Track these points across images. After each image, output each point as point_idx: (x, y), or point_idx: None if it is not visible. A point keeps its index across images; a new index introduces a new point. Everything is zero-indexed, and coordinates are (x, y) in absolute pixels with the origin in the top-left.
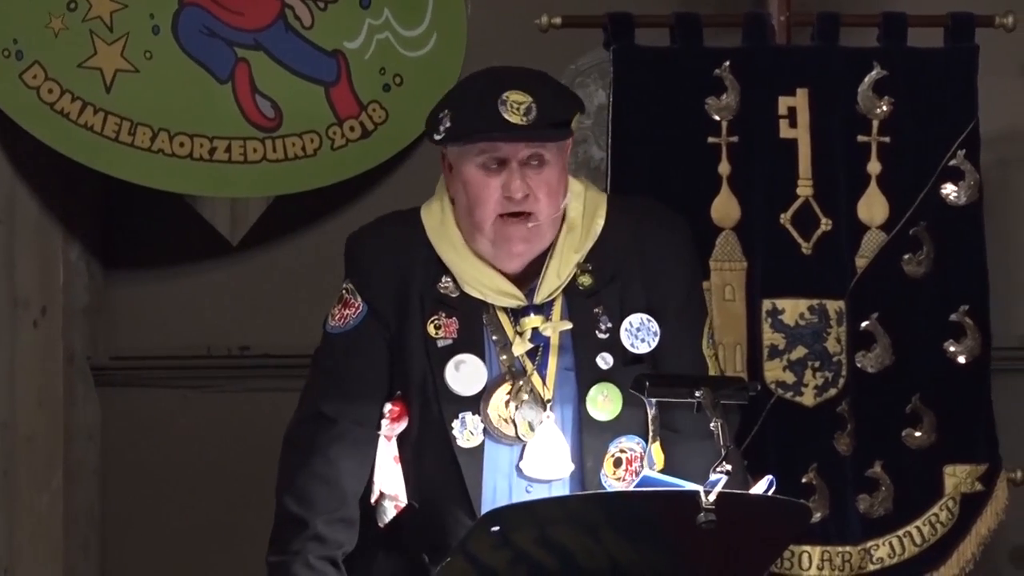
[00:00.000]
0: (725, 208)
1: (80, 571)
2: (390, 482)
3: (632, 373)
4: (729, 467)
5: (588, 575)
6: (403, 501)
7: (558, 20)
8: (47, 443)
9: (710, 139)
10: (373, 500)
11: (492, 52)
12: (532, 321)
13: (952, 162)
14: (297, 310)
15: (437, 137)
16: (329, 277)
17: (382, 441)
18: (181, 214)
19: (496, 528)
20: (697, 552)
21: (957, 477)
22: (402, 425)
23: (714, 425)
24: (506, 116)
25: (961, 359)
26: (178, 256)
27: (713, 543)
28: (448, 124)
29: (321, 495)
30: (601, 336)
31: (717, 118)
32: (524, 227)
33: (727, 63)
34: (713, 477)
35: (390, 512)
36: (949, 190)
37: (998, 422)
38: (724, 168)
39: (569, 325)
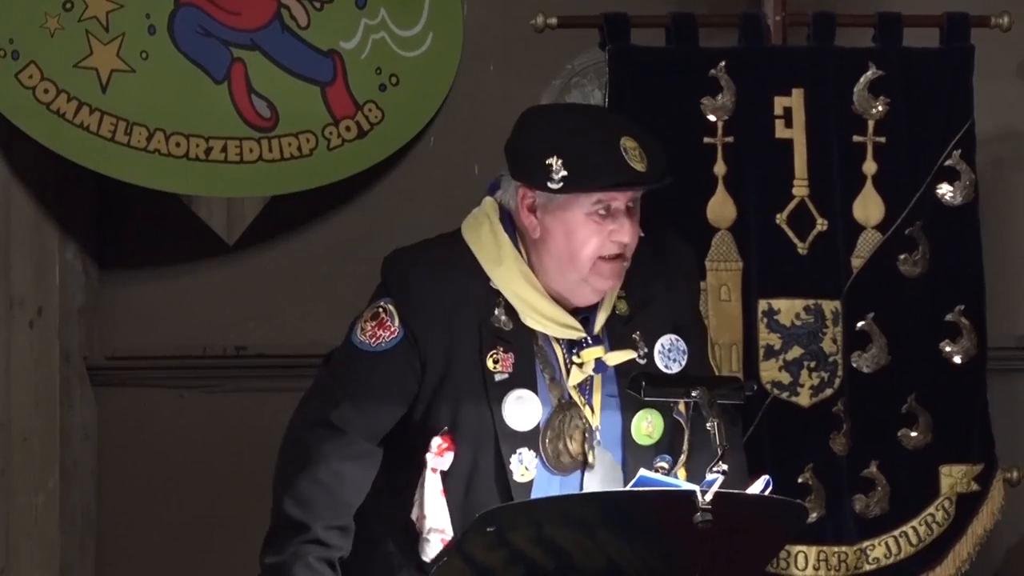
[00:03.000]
0: (721, 208)
1: (76, 571)
2: (438, 517)
3: None
4: (725, 467)
5: (584, 574)
6: (449, 535)
7: (554, 20)
8: (43, 443)
9: (706, 139)
10: (425, 533)
11: (488, 52)
12: (593, 352)
13: (948, 162)
14: (293, 310)
15: (553, 186)
16: (325, 277)
17: (428, 474)
18: (177, 214)
19: (492, 528)
20: (693, 552)
21: (953, 477)
22: (449, 458)
23: (710, 425)
24: (631, 164)
25: (957, 359)
26: (174, 256)
27: (709, 543)
28: (564, 172)
29: (322, 502)
30: (640, 361)
31: (713, 118)
32: (619, 266)
33: (723, 63)
34: (709, 477)
35: (436, 546)
36: (945, 190)
37: (994, 422)
38: (720, 168)
39: (632, 355)
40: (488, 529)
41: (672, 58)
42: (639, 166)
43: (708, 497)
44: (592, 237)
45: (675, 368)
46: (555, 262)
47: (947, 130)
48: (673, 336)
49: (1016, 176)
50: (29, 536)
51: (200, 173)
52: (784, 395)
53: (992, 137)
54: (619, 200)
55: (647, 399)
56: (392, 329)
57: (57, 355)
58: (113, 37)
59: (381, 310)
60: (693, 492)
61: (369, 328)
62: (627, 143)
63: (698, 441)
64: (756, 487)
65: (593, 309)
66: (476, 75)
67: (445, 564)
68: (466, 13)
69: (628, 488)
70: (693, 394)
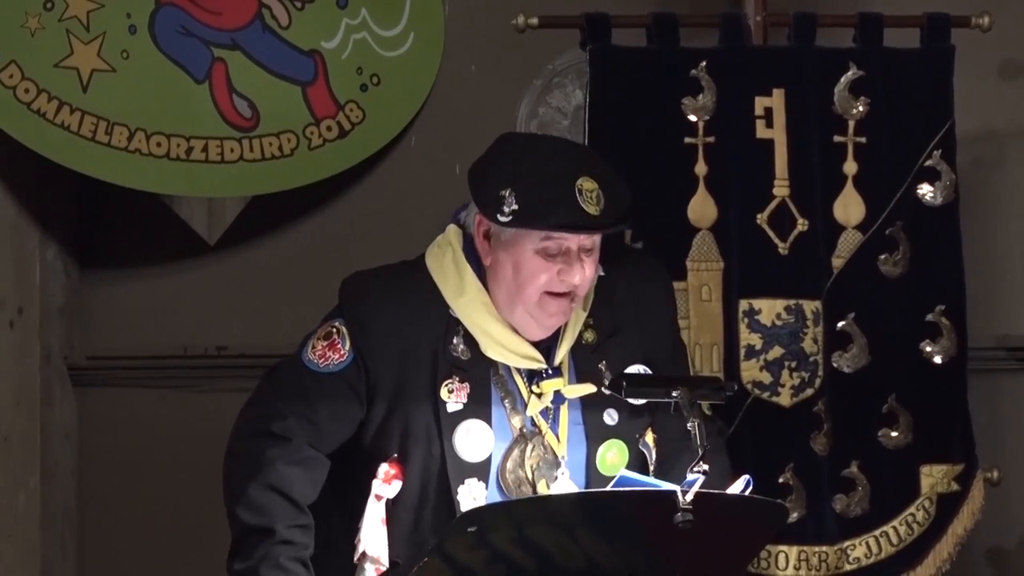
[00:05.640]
0: (702, 208)
1: (57, 570)
2: (375, 544)
3: (636, 425)
4: (706, 467)
5: (565, 574)
6: (385, 564)
7: (535, 20)
8: (24, 443)
9: (687, 139)
10: (356, 559)
11: (469, 52)
12: (553, 383)
13: (928, 162)
14: (274, 310)
15: (502, 219)
16: (307, 277)
17: (371, 501)
18: (158, 214)
19: (473, 528)
20: (674, 551)
21: (933, 477)
22: (396, 487)
23: (690, 425)
24: (584, 207)
25: (937, 359)
26: (155, 256)
27: (690, 543)
28: (515, 206)
29: (277, 504)
30: (606, 392)
31: (694, 118)
32: (566, 304)
33: (704, 63)
34: (690, 477)
35: (370, 575)
36: (925, 190)
37: (974, 422)
38: (701, 168)
39: (592, 388)
40: (469, 529)
41: (653, 58)
42: (591, 209)
43: (689, 497)
44: (541, 273)
45: (641, 400)
46: (504, 293)
47: (928, 130)
48: (641, 367)
49: (996, 176)
50: (10, 536)
51: (181, 173)
52: (765, 395)
53: (972, 137)
54: (570, 241)
55: (613, 428)
56: (342, 352)
57: (38, 355)
58: (94, 37)
59: (334, 331)
60: (674, 492)
61: (320, 347)
62: (584, 184)
63: (678, 447)
64: (736, 487)
65: (555, 340)
66: (457, 75)
67: (426, 565)
68: (447, 13)
69: (609, 488)
70: (674, 394)
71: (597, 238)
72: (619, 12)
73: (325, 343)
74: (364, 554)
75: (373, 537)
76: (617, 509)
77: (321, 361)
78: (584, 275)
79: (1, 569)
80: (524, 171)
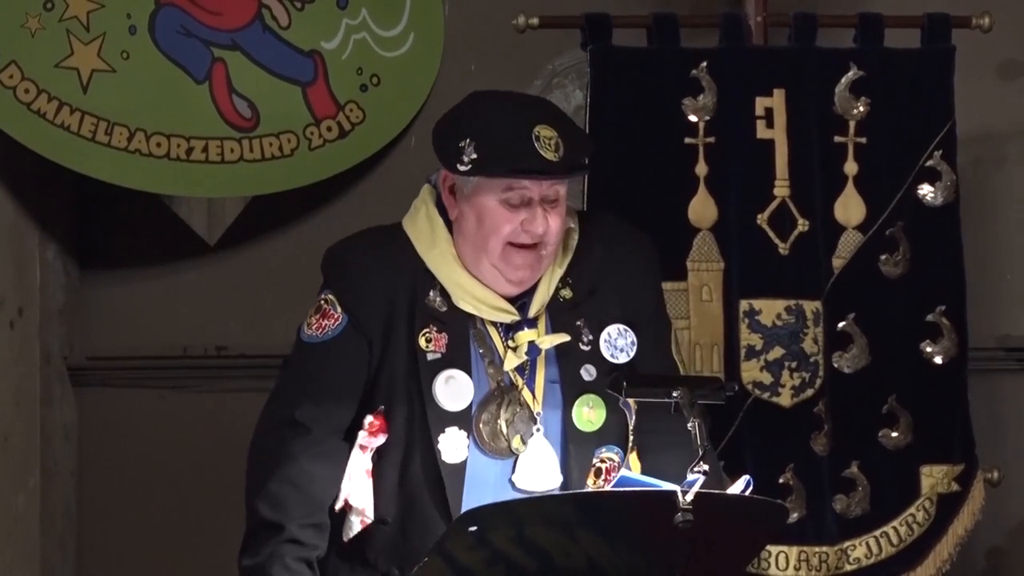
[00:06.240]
0: (702, 208)
1: (57, 571)
2: (359, 495)
3: None
4: (706, 467)
5: (565, 574)
6: (370, 517)
7: (535, 20)
8: (24, 443)
9: (687, 140)
10: (338, 508)
11: (469, 53)
12: (527, 335)
13: (928, 163)
14: (274, 310)
15: (462, 168)
16: (306, 277)
17: (356, 452)
18: (158, 214)
19: (474, 528)
20: (674, 552)
21: (934, 477)
22: (381, 439)
23: (691, 425)
24: (542, 152)
25: (938, 359)
26: (155, 256)
27: (690, 543)
28: (474, 155)
29: (294, 500)
30: (584, 348)
31: (694, 119)
32: (532, 256)
33: (704, 64)
34: (690, 477)
35: (355, 527)
36: (926, 191)
37: (974, 422)
38: (701, 169)
39: (566, 338)
40: (470, 529)
41: (653, 58)
42: (549, 155)
43: (689, 497)
44: (504, 224)
45: (622, 358)
46: (469, 247)
47: (928, 131)
48: (621, 326)
49: (996, 177)
50: (10, 536)
51: (181, 173)
52: (765, 395)
53: (973, 138)
54: (531, 190)
55: (589, 384)
56: (335, 316)
57: (38, 355)
58: (94, 37)
59: (323, 302)
60: (674, 492)
61: (315, 321)
62: (542, 131)
63: (676, 441)
64: (737, 487)
65: (530, 296)
66: (457, 75)
67: (425, 564)
68: (447, 13)
69: (609, 488)
70: (674, 394)
71: (561, 189)
72: (619, 12)
73: (318, 315)
74: (348, 504)
75: (357, 487)
76: (617, 509)
77: (319, 332)
78: (548, 226)
79: (1, 569)
80: (483, 122)
